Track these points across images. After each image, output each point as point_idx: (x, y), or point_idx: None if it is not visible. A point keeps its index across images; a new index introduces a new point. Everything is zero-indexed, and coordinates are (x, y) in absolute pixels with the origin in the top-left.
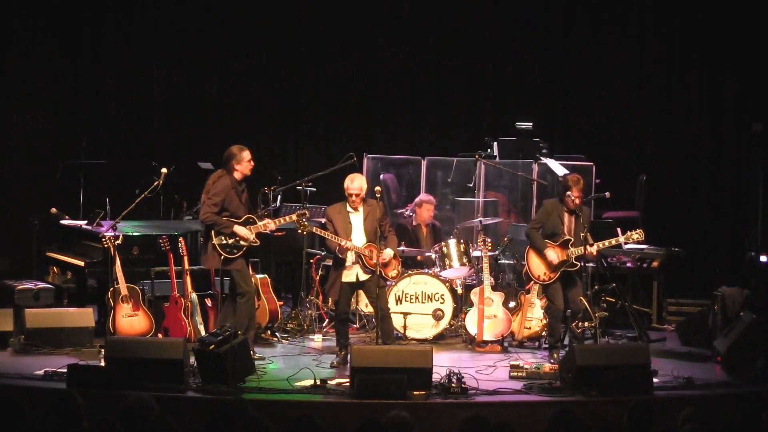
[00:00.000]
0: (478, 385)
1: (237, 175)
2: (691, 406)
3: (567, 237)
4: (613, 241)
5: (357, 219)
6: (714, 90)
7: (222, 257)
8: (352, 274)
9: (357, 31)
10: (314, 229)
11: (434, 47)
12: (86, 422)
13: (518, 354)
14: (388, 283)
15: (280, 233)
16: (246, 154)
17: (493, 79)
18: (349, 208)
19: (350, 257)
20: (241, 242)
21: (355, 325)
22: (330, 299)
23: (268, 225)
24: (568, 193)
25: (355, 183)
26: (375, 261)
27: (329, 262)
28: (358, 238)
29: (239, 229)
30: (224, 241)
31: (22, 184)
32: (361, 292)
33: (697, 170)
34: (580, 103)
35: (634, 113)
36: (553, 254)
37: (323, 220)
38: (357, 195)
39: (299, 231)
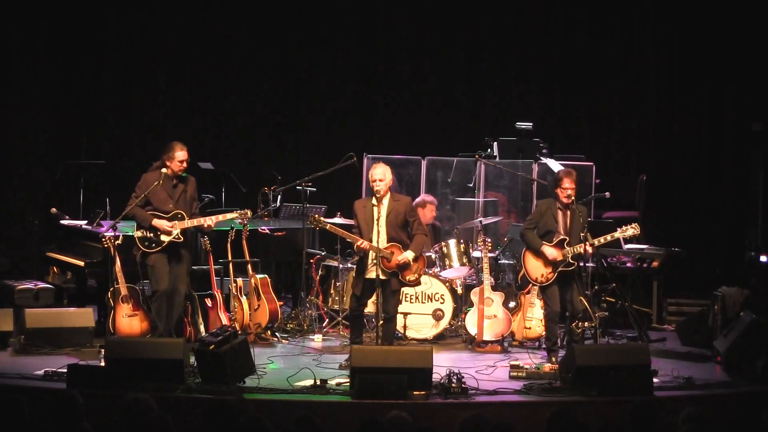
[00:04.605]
0: (478, 385)
1: (168, 171)
2: (691, 406)
3: (562, 236)
4: (609, 237)
5: (381, 214)
6: (714, 90)
7: (140, 251)
8: (373, 271)
9: (357, 31)
10: (328, 226)
11: (434, 47)
12: (86, 422)
13: (518, 354)
14: (407, 285)
15: (280, 233)
16: (179, 154)
17: (493, 79)
18: (374, 201)
19: (371, 254)
20: (162, 237)
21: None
22: (330, 300)
23: (206, 221)
24: (561, 185)
25: (376, 171)
26: (392, 264)
27: (330, 262)
28: (380, 234)
29: (159, 223)
30: (144, 235)
31: (22, 184)
32: None
33: (697, 170)
34: (580, 103)
35: (634, 113)
36: (552, 251)
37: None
38: (376, 182)
39: (312, 227)
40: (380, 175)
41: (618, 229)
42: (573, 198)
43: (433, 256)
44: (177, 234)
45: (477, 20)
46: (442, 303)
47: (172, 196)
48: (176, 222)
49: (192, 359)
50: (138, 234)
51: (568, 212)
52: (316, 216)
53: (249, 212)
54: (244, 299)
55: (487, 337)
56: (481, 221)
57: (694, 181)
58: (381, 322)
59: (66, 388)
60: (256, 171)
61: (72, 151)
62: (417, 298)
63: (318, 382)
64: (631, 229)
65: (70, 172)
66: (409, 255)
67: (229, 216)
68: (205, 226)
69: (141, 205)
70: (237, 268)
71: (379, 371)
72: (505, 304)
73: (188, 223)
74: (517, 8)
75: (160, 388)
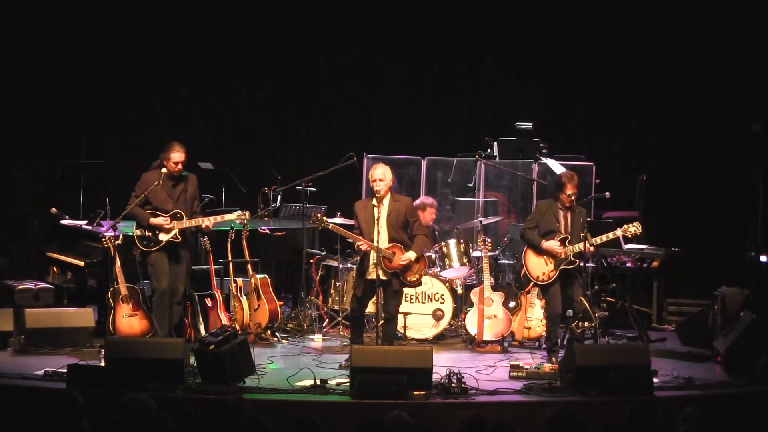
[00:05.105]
0: (478, 385)
1: (166, 171)
2: (691, 406)
3: (564, 235)
4: (611, 235)
5: (381, 214)
6: (714, 90)
7: (139, 250)
8: (374, 272)
9: (357, 31)
10: (330, 225)
11: (434, 47)
12: (86, 422)
13: (518, 354)
14: (408, 286)
15: (280, 233)
16: (175, 155)
17: (493, 79)
18: (374, 202)
19: (372, 255)
20: (160, 236)
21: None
22: (330, 300)
23: (205, 221)
24: (564, 190)
25: (376, 171)
26: (394, 265)
27: (330, 262)
28: (380, 234)
29: (156, 220)
30: (142, 234)
31: (22, 184)
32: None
33: (697, 170)
34: (580, 103)
35: (634, 113)
36: (552, 244)
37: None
38: (376, 182)
39: (315, 226)
40: (380, 175)
41: (619, 227)
42: (574, 200)
43: (433, 256)
44: (175, 233)
45: (477, 20)
46: (442, 303)
47: (172, 195)
48: (174, 221)
49: (192, 359)
50: (137, 233)
51: (569, 212)
52: (319, 215)
53: (248, 214)
54: (244, 299)
55: (487, 337)
56: (481, 221)
57: (694, 181)
58: (381, 322)
59: (66, 388)
60: (256, 171)
61: (72, 151)
62: (417, 298)
63: (318, 382)
64: (633, 227)
65: (70, 172)
66: (411, 255)
67: (228, 217)
68: (203, 226)
69: (141, 204)
70: (237, 268)
71: (379, 371)
72: (505, 304)
73: (187, 222)
74: (517, 8)
75: (160, 388)
